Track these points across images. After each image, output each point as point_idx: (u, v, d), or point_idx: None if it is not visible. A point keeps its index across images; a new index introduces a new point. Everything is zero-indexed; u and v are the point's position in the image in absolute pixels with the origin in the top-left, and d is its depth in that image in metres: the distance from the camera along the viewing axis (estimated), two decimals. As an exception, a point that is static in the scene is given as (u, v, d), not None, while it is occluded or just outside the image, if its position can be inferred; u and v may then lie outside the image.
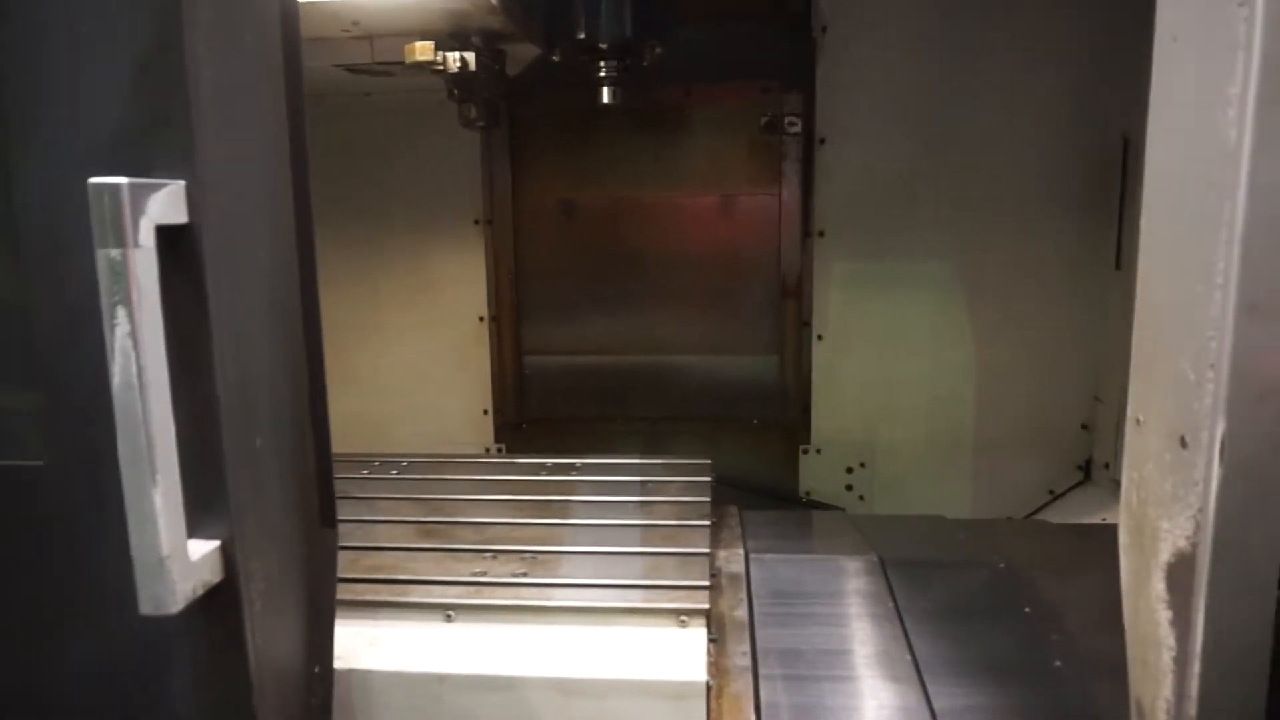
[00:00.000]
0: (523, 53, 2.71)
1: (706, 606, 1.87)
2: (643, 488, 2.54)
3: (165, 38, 1.10)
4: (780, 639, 1.99)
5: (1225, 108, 0.92)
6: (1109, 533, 1.23)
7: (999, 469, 3.38)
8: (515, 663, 1.78)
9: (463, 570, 2.03)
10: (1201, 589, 0.99)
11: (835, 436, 3.46)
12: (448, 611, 1.90)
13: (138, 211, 1.05)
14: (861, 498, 3.49)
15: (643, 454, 2.86)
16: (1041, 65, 3.07)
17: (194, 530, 1.17)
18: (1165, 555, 1.06)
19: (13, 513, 1.27)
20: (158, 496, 1.09)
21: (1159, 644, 1.07)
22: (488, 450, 3.63)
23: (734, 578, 2.25)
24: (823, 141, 3.25)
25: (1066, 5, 3.02)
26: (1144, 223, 1.10)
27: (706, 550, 2.12)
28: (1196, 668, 1.01)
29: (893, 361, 3.37)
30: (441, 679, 1.76)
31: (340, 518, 2.28)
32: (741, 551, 2.37)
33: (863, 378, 3.40)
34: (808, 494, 3.51)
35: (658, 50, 2.71)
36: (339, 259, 3.45)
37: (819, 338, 3.39)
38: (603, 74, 2.73)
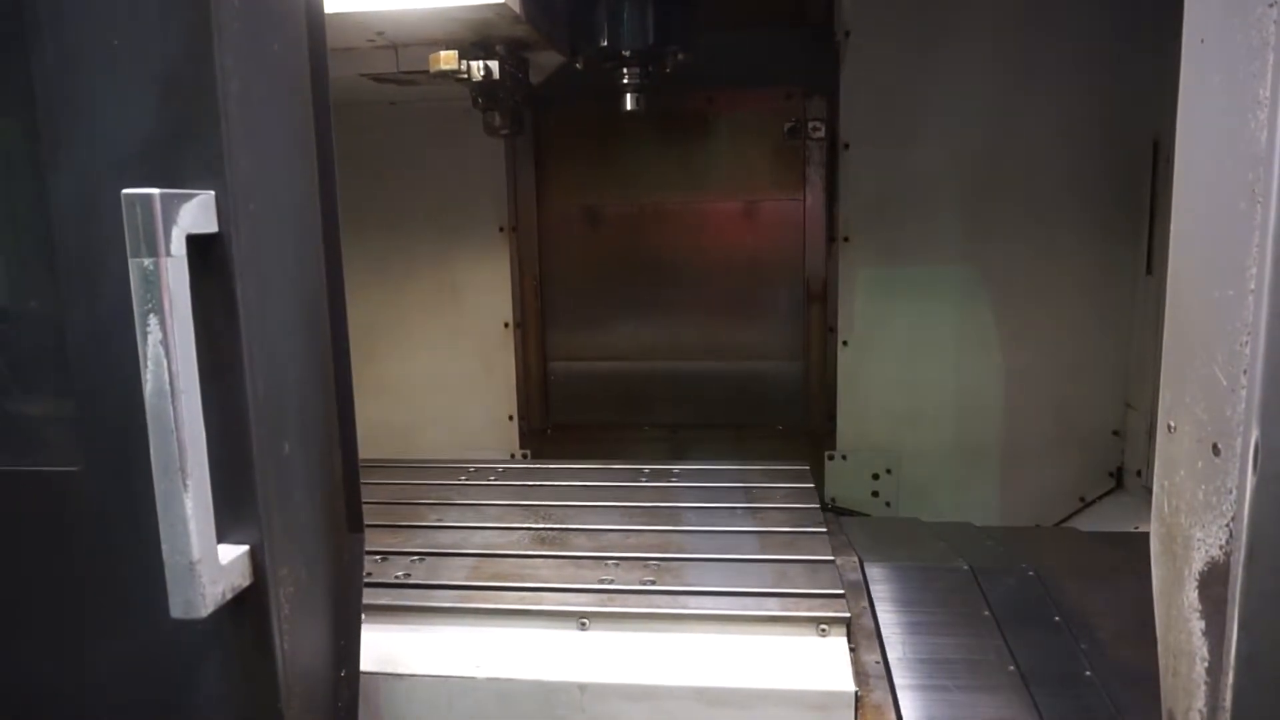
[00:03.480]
0: (546, 61, 2.73)
1: (848, 615, 1.84)
2: (746, 494, 2.53)
3: (194, 50, 1.12)
4: (910, 647, 1.96)
5: (1256, 110, 0.90)
6: (1142, 541, 1.21)
7: (1027, 476, 3.35)
8: (657, 671, 1.75)
9: (589, 578, 2.01)
10: (1235, 598, 0.98)
11: (861, 443, 3.44)
12: (582, 619, 1.87)
13: (169, 221, 1.07)
14: (888, 504, 3.46)
15: (742, 460, 2.87)
16: (1067, 68, 3.04)
17: (224, 535, 1.18)
18: (1198, 564, 1.04)
19: (47, 517, 1.30)
20: (189, 501, 1.11)
21: (1191, 655, 1.05)
22: (513, 456, 3.64)
23: (853, 585, 2.21)
24: (847, 146, 3.23)
25: (1091, 7, 2.99)
26: (1174, 227, 1.09)
27: (831, 557, 2.10)
28: (1230, 679, 0.99)
29: (919, 367, 3.34)
30: (583, 688, 1.73)
31: (449, 524, 2.36)
32: (855, 558, 2.35)
33: (888, 383, 3.37)
34: (833, 500, 3.49)
35: (680, 57, 2.71)
36: (364, 266, 3.48)
37: (844, 343, 3.38)
38: (626, 81, 2.75)
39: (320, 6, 1.35)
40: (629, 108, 2.79)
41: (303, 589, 1.32)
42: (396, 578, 2.02)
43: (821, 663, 1.76)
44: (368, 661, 1.77)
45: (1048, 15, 3.01)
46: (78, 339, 1.23)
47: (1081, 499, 3.33)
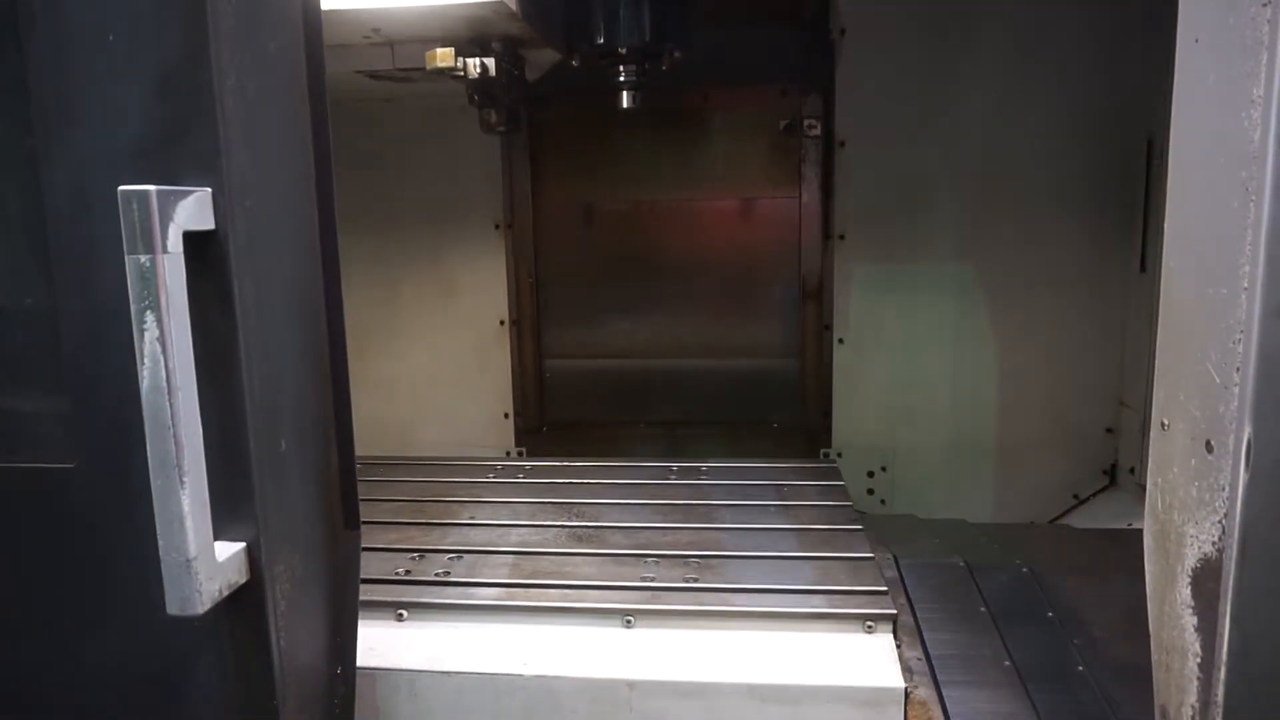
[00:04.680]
0: (542, 58, 2.72)
1: (894, 612, 1.85)
2: (778, 491, 2.54)
3: (190, 47, 1.12)
4: (951, 643, 1.97)
5: (1249, 109, 0.91)
6: (1135, 538, 1.21)
7: (1021, 473, 3.35)
8: (705, 669, 1.76)
9: (630, 575, 2.01)
10: (1227, 595, 0.98)
11: (856, 440, 3.45)
12: (627, 617, 1.87)
13: (166, 218, 1.07)
14: (883, 501, 3.46)
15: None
16: (1063, 66, 3.04)
17: (220, 532, 1.18)
18: (1191, 561, 1.05)
19: (43, 514, 1.29)
20: (185, 499, 1.11)
21: (1184, 651, 1.06)
22: (509, 454, 3.64)
23: (891, 581, 2.21)
24: (843, 144, 3.23)
25: (1087, 7, 2.99)
26: (1168, 225, 1.09)
27: (871, 554, 2.10)
28: (1222, 674, 1.00)
29: (914, 365, 3.35)
30: (631, 685, 1.73)
31: (483, 521, 2.36)
32: (891, 555, 2.36)
33: (884, 381, 3.38)
34: (828, 498, 3.50)
35: (676, 54, 2.71)
36: (360, 264, 3.47)
37: (839, 341, 3.38)
38: (622, 78, 2.75)
39: (317, 3, 1.35)
40: (625, 105, 2.79)
41: (299, 586, 1.32)
42: (436, 575, 2.03)
43: (870, 659, 1.77)
44: (414, 659, 1.78)
45: (1044, 14, 3.02)
46: (73, 335, 1.22)
47: (1075, 496, 3.34)
